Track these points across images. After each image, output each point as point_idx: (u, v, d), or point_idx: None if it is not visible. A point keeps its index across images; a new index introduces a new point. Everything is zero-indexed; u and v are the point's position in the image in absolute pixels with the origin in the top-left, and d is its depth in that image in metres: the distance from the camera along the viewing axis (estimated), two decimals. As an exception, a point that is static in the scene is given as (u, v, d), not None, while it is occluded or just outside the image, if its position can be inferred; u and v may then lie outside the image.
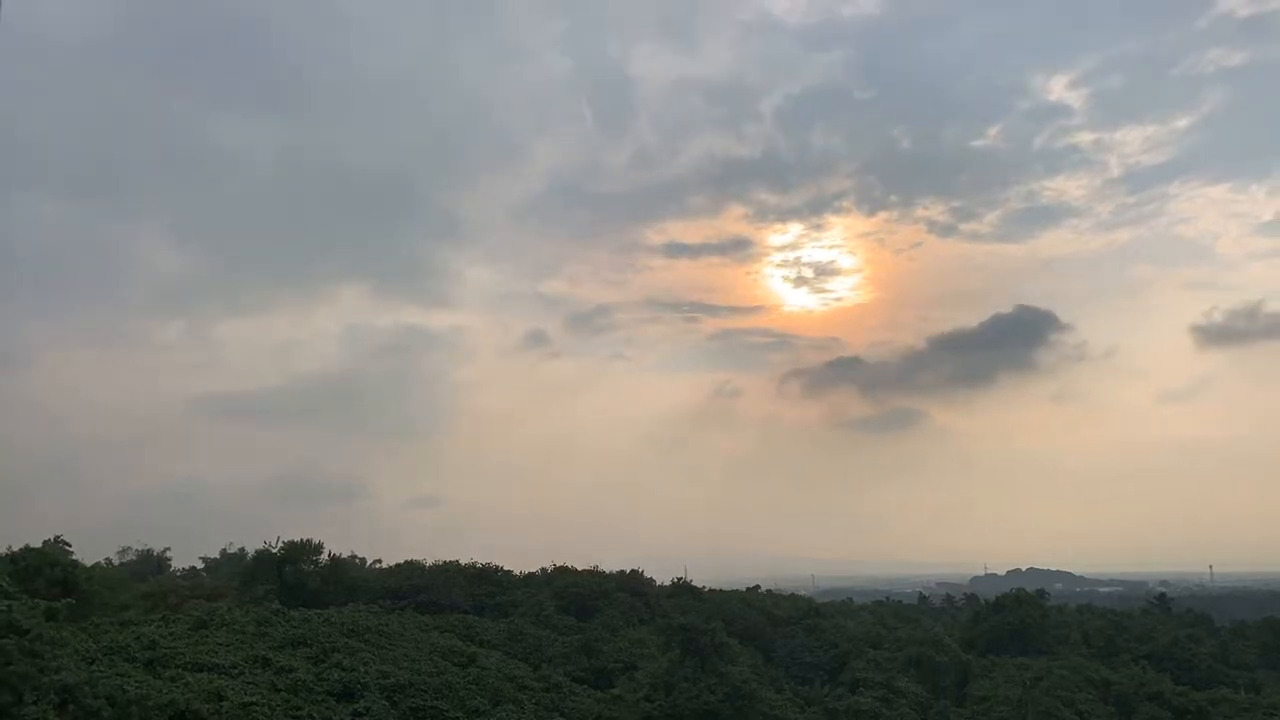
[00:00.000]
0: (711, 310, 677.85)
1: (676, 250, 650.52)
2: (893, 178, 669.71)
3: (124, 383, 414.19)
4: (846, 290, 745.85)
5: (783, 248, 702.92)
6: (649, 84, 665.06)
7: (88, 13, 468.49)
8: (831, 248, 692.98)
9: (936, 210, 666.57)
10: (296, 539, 74.49)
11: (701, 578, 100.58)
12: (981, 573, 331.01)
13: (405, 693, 45.29)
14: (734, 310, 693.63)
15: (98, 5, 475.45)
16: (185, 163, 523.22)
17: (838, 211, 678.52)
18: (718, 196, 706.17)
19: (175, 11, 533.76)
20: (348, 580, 76.94)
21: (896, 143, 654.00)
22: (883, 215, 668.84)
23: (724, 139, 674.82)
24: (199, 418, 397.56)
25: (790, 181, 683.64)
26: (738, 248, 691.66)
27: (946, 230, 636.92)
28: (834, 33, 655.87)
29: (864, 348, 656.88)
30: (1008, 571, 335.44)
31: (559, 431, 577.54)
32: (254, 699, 38.63)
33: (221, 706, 36.90)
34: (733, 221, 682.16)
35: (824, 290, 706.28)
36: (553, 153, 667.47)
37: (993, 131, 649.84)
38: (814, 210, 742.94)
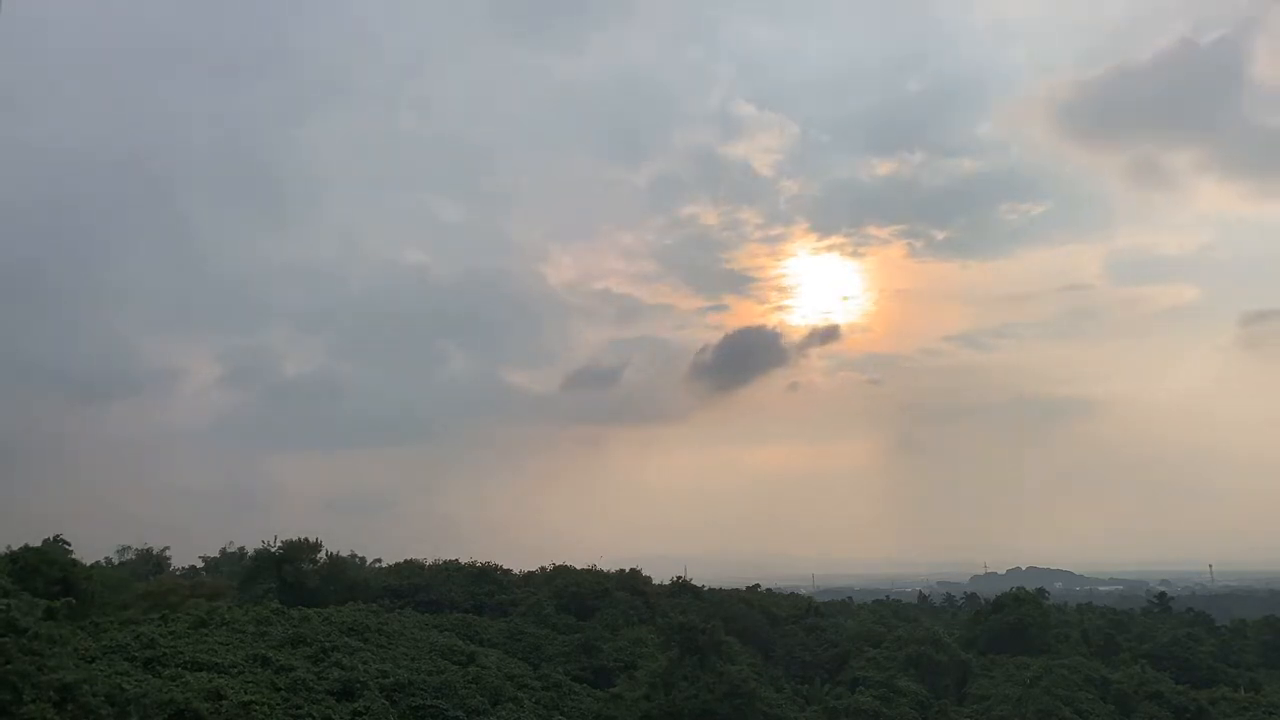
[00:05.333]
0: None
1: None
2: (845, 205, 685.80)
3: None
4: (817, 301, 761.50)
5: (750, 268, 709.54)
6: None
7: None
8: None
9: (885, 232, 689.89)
10: (295, 538, 74.56)
11: (701, 577, 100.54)
12: (981, 572, 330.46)
13: (405, 691, 45.26)
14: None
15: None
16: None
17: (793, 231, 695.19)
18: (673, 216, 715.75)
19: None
20: (347, 579, 76.89)
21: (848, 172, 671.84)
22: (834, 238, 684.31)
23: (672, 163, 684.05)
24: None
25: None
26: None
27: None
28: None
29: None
30: (1008, 571, 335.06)
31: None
32: (253, 698, 38.58)
33: (221, 705, 36.85)
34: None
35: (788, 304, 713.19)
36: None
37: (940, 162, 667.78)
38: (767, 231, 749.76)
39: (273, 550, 73.58)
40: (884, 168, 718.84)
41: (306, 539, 75.17)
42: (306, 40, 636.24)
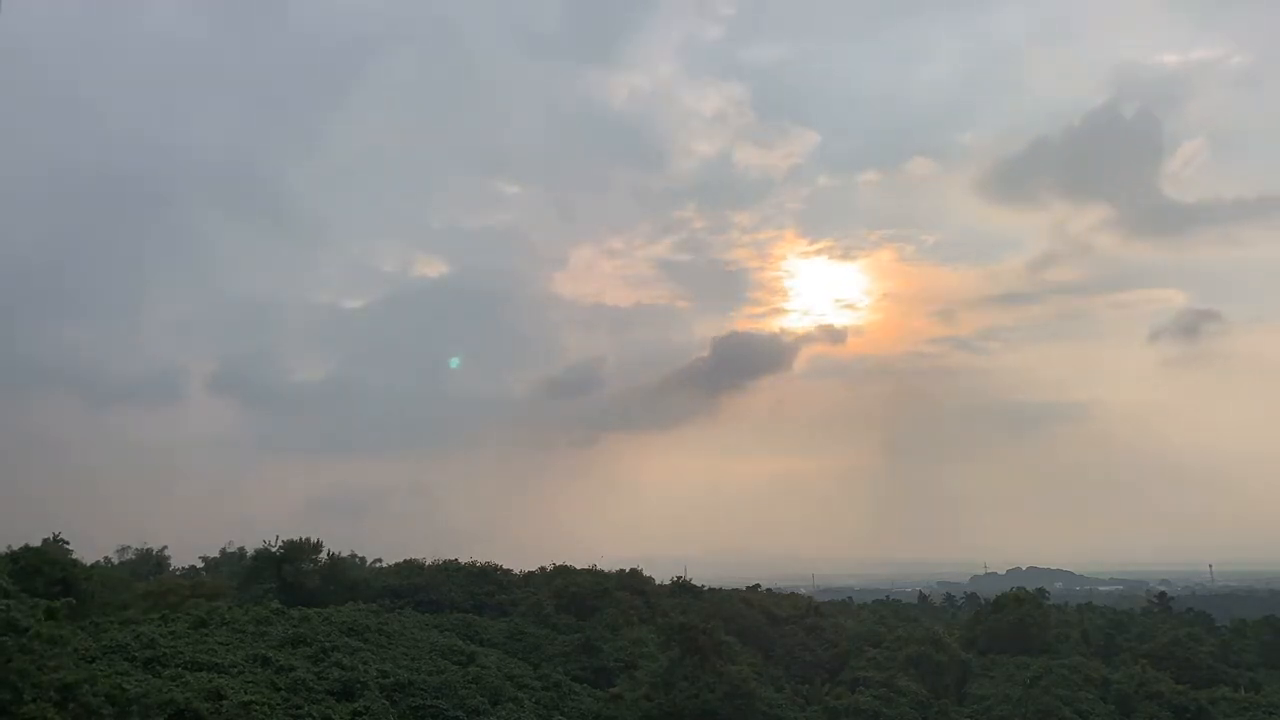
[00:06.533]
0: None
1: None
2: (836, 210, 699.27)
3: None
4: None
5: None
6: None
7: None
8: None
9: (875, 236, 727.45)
10: (295, 538, 74.56)
11: (701, 577, 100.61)
12: (981, 572, 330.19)
13: (405, 691, 45.27)
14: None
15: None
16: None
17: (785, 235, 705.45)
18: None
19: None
20: (347, 579, 76.91)
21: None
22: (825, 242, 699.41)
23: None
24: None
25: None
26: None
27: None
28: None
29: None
30: (1008, 570, 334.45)
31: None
32: (254, 698, 38.55)
33: (221, 705, 36.83)
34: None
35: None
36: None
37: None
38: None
39: (273, 550, 73.54)
40: (875, 175, 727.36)
41: (307, 539, 75.20)
42: (329, 50, 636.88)
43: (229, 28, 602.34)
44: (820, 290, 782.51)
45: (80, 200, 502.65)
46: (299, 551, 73.93)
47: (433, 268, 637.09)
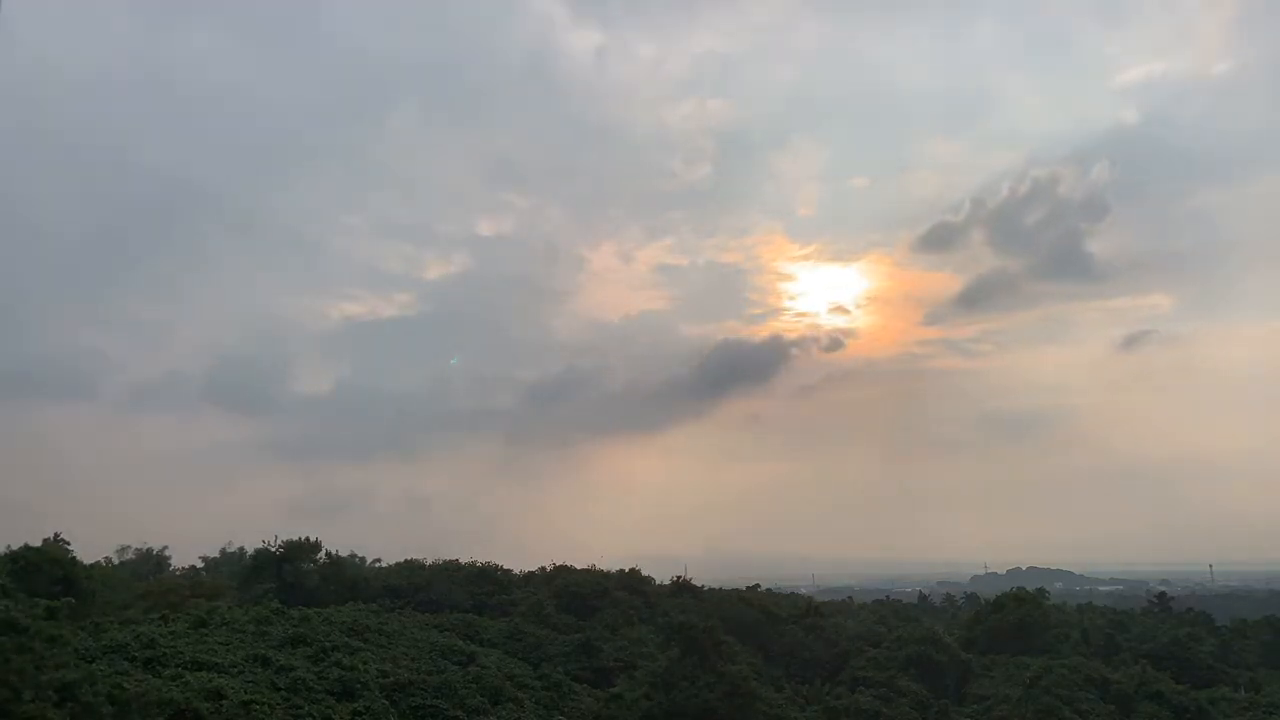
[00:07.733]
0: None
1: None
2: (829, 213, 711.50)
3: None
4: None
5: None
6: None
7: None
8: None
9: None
10: (295, 538, 74.62)
11: (701, 577, 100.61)
12: (981, 572, 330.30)
13: (405, 691, 45.30)
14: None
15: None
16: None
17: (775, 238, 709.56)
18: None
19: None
20: (347, 579, 76.98)
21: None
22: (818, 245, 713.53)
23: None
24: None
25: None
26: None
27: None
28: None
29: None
30: (1008, 570, 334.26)
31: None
32: (253, 698, 38.57)
33: (221, 705, 36.84)
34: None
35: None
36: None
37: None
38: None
39: (273, 550, 73.60)
40: (865, 180, 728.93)
41: (306, 538, 75.32)
42: (345, 72, 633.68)
43: (245, 46, 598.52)
44: (815, 293, 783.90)
45: (87, 205, 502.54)
46: (299, 551, 74.03)
47: (436, 270, 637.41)
